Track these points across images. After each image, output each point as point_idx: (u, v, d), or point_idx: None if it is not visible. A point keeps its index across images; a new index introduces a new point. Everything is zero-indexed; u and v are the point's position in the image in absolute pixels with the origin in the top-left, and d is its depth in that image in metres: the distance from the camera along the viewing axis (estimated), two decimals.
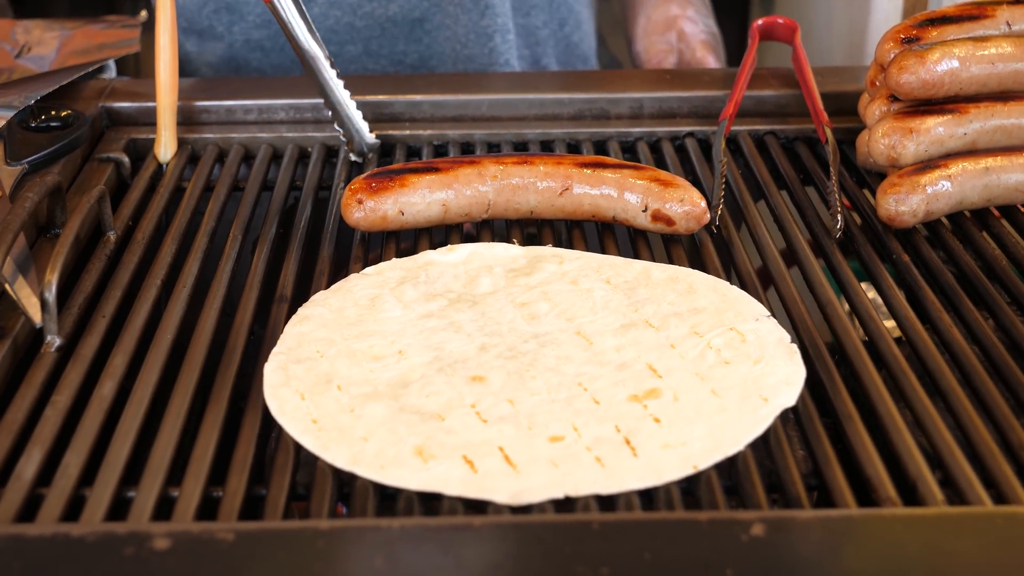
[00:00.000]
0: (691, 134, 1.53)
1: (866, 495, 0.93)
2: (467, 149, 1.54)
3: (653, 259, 1.26)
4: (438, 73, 1.79)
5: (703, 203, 1.27)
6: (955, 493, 0.93)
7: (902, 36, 1.37)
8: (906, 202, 1.28)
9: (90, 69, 1.64)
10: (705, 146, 1.52)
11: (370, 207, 1.27)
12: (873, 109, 1.38)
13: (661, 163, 1.49)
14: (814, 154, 1.49)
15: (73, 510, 0.91)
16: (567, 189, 1.29)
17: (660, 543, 0.82)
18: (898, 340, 1.14)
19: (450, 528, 0.83)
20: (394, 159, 1.51)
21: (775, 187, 1.40)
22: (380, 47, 1.82)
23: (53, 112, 1.46)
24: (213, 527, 0.83)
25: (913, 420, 1.02)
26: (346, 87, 1.45)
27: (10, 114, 1.42)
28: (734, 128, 1.53)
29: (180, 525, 0.84)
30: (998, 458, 0.95)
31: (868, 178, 1.43)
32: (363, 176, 1.30)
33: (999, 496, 0.92)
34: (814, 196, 1.41)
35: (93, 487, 0.93)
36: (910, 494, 0.93)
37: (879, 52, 1.38)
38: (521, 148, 1.53)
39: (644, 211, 1.27)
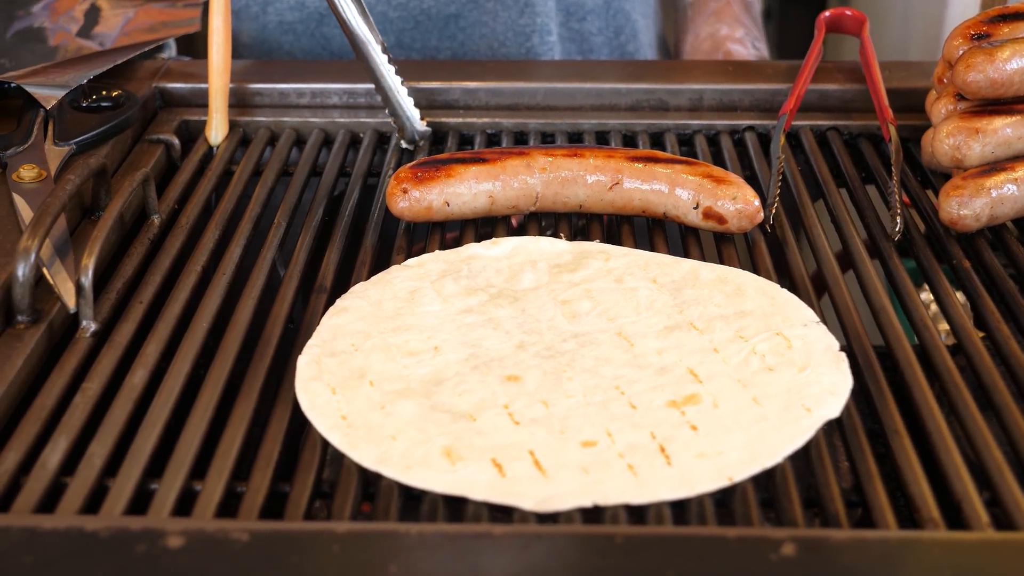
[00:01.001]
0: (751, 128, 1.49)
1: (910, 514, 0.89)
2: (520, 139, 1.51)
3: (703, 258, 1.23)
4: (494, 60, 1.76)
5: (756, 201, 1.23)
6: (1003, 515, 0.89)
7: (972, 32, 1.32)
8: (969, 205, 1.23)
9: (148, 48, 1.63)
10: (764, 140, 1.48)
11: (415, 197, 1.25)
12: (939, 107, 1.34)
13: (719, 157, 1.45)
14: (878, 152, 1.45)
15: (95, 501, 0.90)
16: (617, 183, 1.26)
17: (685, 560, 0.79)
18: (954, 349, 1.10)
19: (468, 536, 0.81)
20: (446, 147, 1.49)
21: (834, 186, 1.36)
22: (413, 40, 1.79)
23: (104, 92, 1.45)
24: (228, 526, 0.82)
25: (964, 435, 0.98)
26: (398, 73, 1.43)
27: (62, 93, 1.41)
28: (795, 123, 1.49)
29: (195, 523, 0.82)
30: None
31: (933, 179, 1.38)
32: (409, 165, 1.28)
33: None
34: (876, 196, 1.37)
35: (116, 479, 0.92)
36: (955, 515, 0.89)
37: (947, 48, 1.33)
38: (576, 139, 1.50)
39: (695, 208, 1.24)
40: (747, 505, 0.89)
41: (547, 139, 1.51)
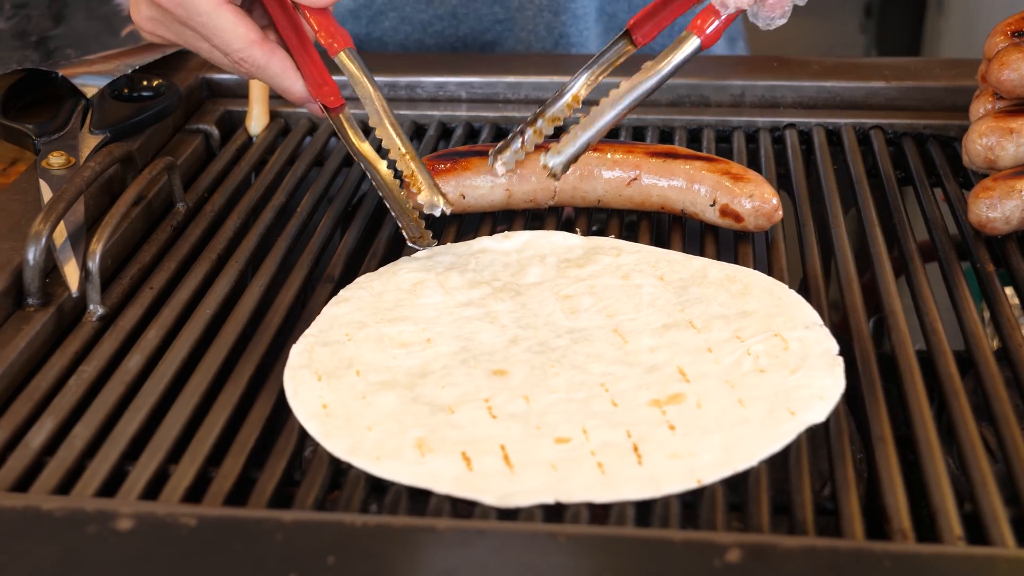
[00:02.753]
0: (792, 125, 1.46)
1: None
2: (557, 131, 1.49)
3: (719, 256, 1.20)
4: (534, 54, 1.75)
5: (775, 200, 1.20)
6: (979, 529, 0.86)
7: (1012, 29, 1.27)
8: (998, 208, 1.19)
9: None
10: (805, 139, 1.45)
11: None
12: (978, 106, 1.29)
13: (755, 155, 1.42)
14: (920, 152, 1.40)
15: (69, 482, 0.92)
16: (635, 179, 1.25)
17: (624, 561, 0.78)
18: (963, 356, 1.06)
19: (411, 529, 0.80)
20: (479, 140, 1.48)
21: (867, 185, 1.32)
22: None
23: (145, 82, 1.48)
24: (179, 511, 0.82)
25: (956, 447, 0.94)
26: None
27: (103, 83, 1.44)
28: (836, 121, 1.45)
29: (147, 507, 0.83)
30: None
31: (974, 180, 1.34)
32: (428, 157, 1.28)
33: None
34: (911, 198, 1.33)
35: (93, 460, 0.93)
36: (929, 526, 0.86)
37: (987, 45, 1.29)
38: (612, 133, 1.48)
39: (712, 205, 1.22)
40: (714, 510, 0.87)
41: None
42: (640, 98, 1.16)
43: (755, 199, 1.20)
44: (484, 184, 1.25)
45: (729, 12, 1.15)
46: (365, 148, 1.20)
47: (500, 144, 1.23)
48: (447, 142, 1.49)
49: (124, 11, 2.05)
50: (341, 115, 1.20)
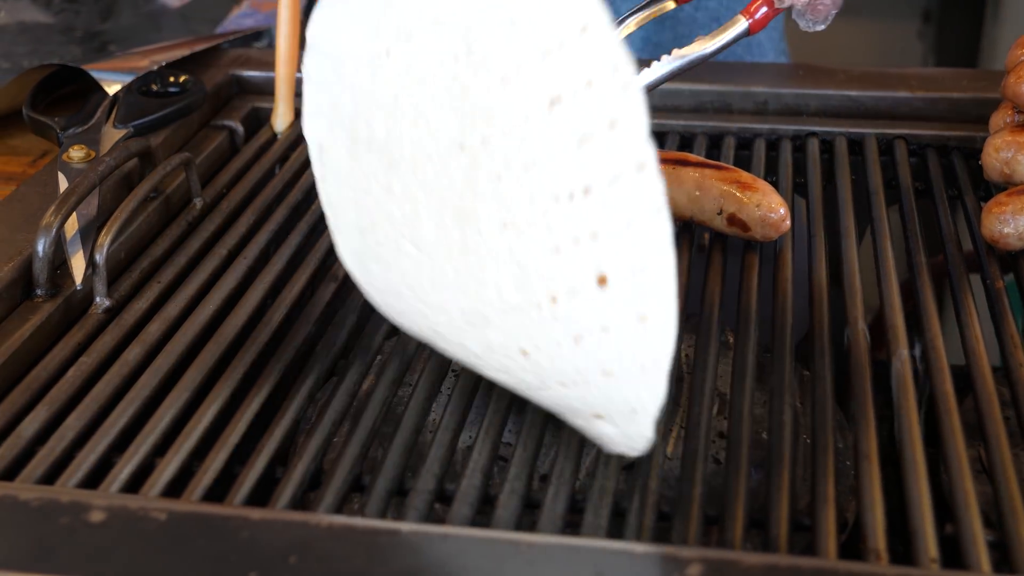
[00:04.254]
0: (814, 134, 1.45)
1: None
2: None
3: (725, 265, 1.20)
4: None
5: (782, 210, 1.19)
6: (958, 553, 0.84)
7: None
8: (1011, 223, 1.17)
9: (239, 36, 1.68)
10: (827, 147, 1.43)
11: None
12: (998, 120, 1.27)
13: (775, 163, 1.41)
14: (942, 164, 1.38)
15: (57, 471, 0.93)
16: None
17: (584, 572, 0.77)
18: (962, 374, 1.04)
19: (375, 531, 0.81)
20: None
21: (883, 196, 1.30)
22: None
23: (172, 79, 1.50)
24: (150, 505, 0.84)
25: (943, 466, 0.93)
26: None
27: (128, 79, 1.46)
28: (860, 130, 1.43)
29: (120, 500, 0.85)
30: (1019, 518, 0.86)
31: (995, 193, 1.31)
32: None
33: (1004, 560, 0.84)
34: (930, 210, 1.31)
35: (81, 451, 0.95)
36: (906, 548, 0.85)
37: (1009, 57, 1.27)
38: None
39: (719, 214, 1.21)
40: (689, 522, 0.86)
41: None
42: (685, 66, 1.21)
43: (762, 208, 1.19)
44: None
45: (783, 6, 1.19)
46: None
47: None
48: None
49: (170, 7, 2.08)
50: None
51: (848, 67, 1.53)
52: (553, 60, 0.76)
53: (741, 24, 1.20)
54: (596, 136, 0.75)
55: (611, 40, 0.73)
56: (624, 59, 0.73)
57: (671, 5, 1.25)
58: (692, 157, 1.25)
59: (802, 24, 1.22)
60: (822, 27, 1.22)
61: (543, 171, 0.78)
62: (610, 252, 0.77)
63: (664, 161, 1.24)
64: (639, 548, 0.79)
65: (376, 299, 0.99)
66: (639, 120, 0.73)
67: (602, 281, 0.78)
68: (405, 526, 0.81)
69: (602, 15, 0.73)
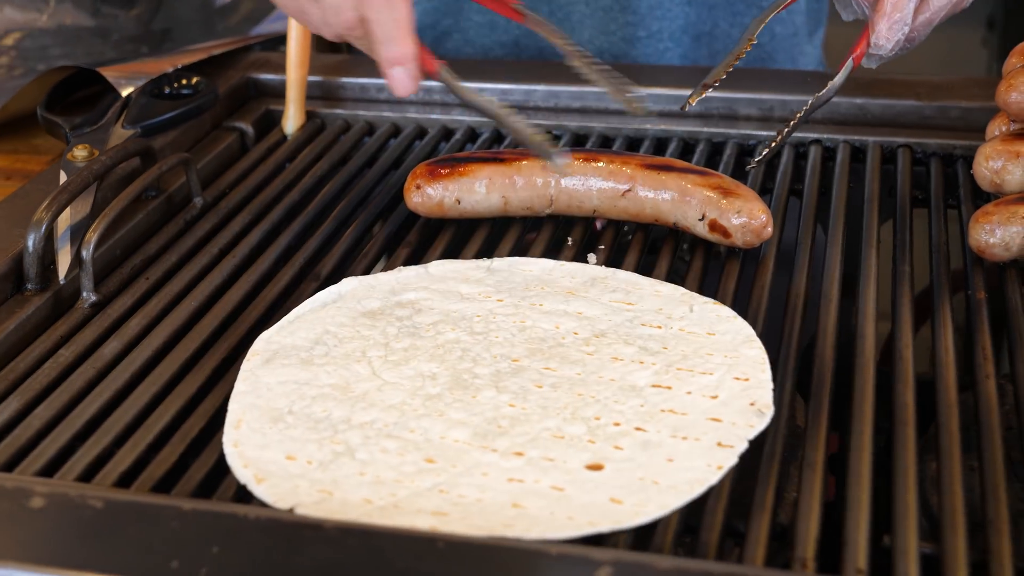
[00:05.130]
0: (817, 141, 1.43)
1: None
2: (581, 142, 1.50)
3: (705, 271, 1.19)
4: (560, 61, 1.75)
5: (764, 217, 1.19)
6: (889, 563, 0.84)
7: None
8: (997, 233, 1.15)
9: (261, 40, 1.71)
10: (829, 155, 1.42)
11: (428, 193, 1.27)
12: (992, 128, 1.25)
13: (772, 170, 1.40)
14: (944, 173, 1.37)
15: (19, 459, 0.96)
16: (630, 190, 1.24)
17: (496, 571, 0.78)
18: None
19: (297, 525, 0.82)
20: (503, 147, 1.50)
21: (877, 205, 1.29)
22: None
23: (185, 81, 1.53)
24: (88, 492, 0.86)
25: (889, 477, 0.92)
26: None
27: (141, 81, 1.49)
28: (864, 138, 1.42)
29: (61, 487, 0.87)
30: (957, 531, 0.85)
31: None
32: (427, 161, 1.30)
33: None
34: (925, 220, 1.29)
35: (45, 440, 0.97)
36: (835, 557, 0.84)
37: (1005, 66, 1.25)
38: (636, 145, 1.48)
39: (701, 220, 1.21)
40: (666, 529, 0.87)
41: (607, 144, 1.49)
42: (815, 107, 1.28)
43: (743, 215, 1.18)
44: (481, 190, 1.26)
45: (879, 52, 1.23)
46: (473, 96, 1.19)
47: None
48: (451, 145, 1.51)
49: (219, 3, 2.11)
50: (443, 71, 1.19)
51: (857, 75, 1.51)
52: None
53: (848, 66, 1.26)
54: None
55: None
56: None
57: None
58: (678, 163, 1.25)
59: (867, 63, 1.27)
60: (884, 62, 1.27)
61: None
62: None
63: (649, 167, 1.24)
64: (555, 549, 0.79)
65: None
66: None
67: None
68: (330, 522, 0.82)
69: None
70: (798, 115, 1.28)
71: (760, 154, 1.32)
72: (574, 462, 0.92)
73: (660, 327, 1.08)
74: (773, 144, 1.30)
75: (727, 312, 1.10)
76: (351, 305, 1.13)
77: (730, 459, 0.91)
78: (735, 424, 0.95)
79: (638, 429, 0.95)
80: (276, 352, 1.06)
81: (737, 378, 1.00)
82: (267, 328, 1.11)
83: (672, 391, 0.99)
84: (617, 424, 0.96)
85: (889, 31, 1.20)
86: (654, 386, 1.00)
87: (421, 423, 0.97)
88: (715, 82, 1.25)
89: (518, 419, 0.97)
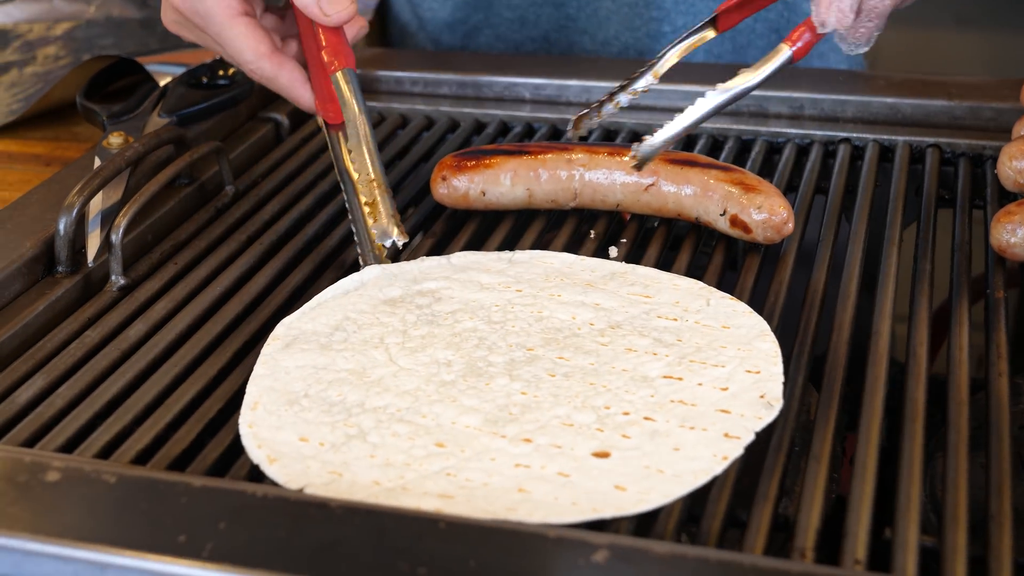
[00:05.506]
0: (847, 140, 1.43)
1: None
2: (611, 136, 1.51)
3: (724, 267, 1.20)
4: (592, 57, 1.76)
5: (784, 212, 1.19)
6: (887, 555, 0.84)
7: None
8: (1018, 233, 1.14)
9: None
10: (858, 154, 1.42)
11: (454, 185, 1.28)
12: (1018, 128, 1.25)
13: (799, 168, 1.40)
14: (972, 173, 1.36)
15: (41, 435, 0.98)
16: (653, 185, 1.25)
17: (494, 552, 0.79)
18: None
19: (303, 503, 0.84)
20: (534, 139, 1.51)
21: (902, 204, 1.29)
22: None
23: (222, 71, 1.55)
24: (103, 468, 0.88)
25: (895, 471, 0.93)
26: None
27: (179, 71, 1.52)
28: (893, 137, 1.42)
29: (76, 462, 0.89)
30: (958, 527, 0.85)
31: None
32: (454, 153, 1.31)
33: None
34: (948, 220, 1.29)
35: (67, 418, 1.00)
36: (835, 548, 0.85)
37: None
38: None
39: (723, 215, 1.21)
40: (669, 517, 0.88)
41: (637, 139, 1.49)
42: (730, 101, 1.17)
43: (764, 211, 1.19)
44: (505, 183, 1.27)
45: (825, 31, 1.15)
46: (356, 153, 1.21)
47: (580, 113, 1.22)
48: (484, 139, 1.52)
49: None
50: (340, 132, 1.22)
51: (889, 74, 1.51)
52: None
53: (784, 53, 1.17)
54: None
55: None
56: None
57: (711, 34, 1.23)
58: (700, 158, 1.26)
59: (845, 48, 1.18)
60: (865, 49, 1.18)
61: None
62: None
63: (672, 161, 1.25)
64: (552, 532, 0.80)
65: None
66: None
67: None
68: (335, 501, 0.84)
69: None
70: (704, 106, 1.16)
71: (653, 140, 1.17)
72: (581, 449, 0.93)
73: (676, 319, 1.08)
74: (663, 134, 1.17)
75: (743, 307, 1.10)
76: (372, 293, 1.15)
77: (736, 450, 0.92)
78: (743, 416, 0.95)
79: (647, 419, 0.96)
80: (296, 337, 1.08)
81: (748, 371, 1.01)
82: (289, 314, 1.13)
83: (683, 382, 1.00)
84: (626, 413, 0.97)
85: (830, 4, 1.12)
86: (665, 377, 1.01)
87: (433, 408, 0.99)
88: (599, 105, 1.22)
89: (529, 406, 0.98)
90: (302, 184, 1.40)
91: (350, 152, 1.20)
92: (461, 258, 1.20)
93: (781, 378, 1.00)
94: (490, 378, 1.02)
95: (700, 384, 1.00)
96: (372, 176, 1.18)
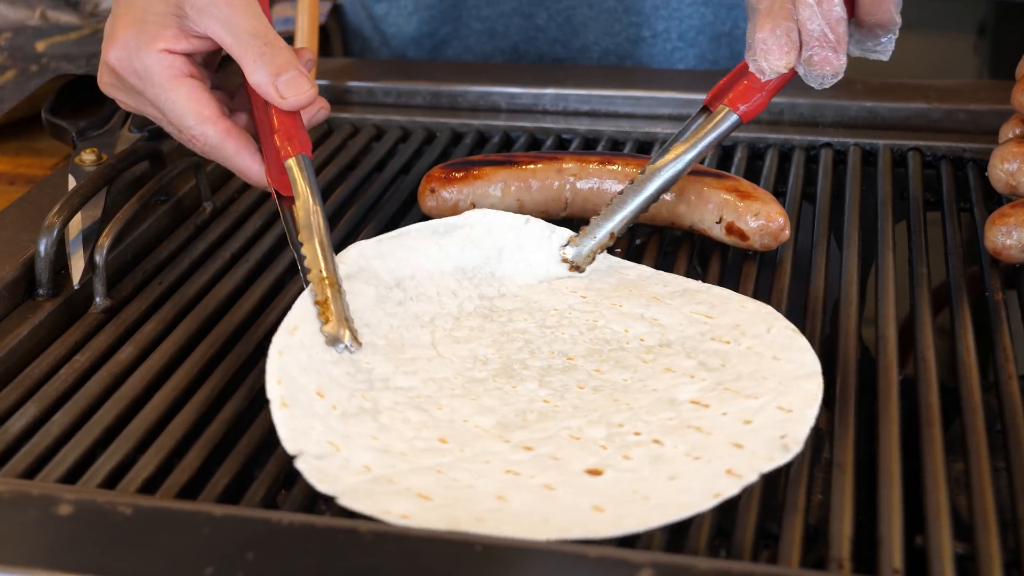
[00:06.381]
0: (828, 145, 1.44)
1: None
2: (591, 145, 1.50)
3: (722, 274, 1.19)
4: (583, 65, 1.75)
5: (781, 219, 1.19)
6: (924, 563, 0.83)
7: None
8: (1014, 235, 1.15)
9: None
10: (840, 158, 1.42)
11: (443, 197, 1.26)
12: (1007, 131, 1.26)
13: (784, 173, 1.40)
14: (955, 176, 1.37)
15: (39, 466, 0.95)
16: None
17: (533, 571, 0.78)
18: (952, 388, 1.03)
19: (332, 530, 0.81)
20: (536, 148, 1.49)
21: (891, 208, 1.29)
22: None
23: None
24: (117, 499, 0.85)
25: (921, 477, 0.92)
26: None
27: None
28: (874, 141, 1.42)
29: (88, 494, 0.86)
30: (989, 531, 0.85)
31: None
32: (442, 165, 1.29)
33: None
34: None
35: (65, 447, 0.96)
36: (871, 557, 0.84)
37: (1019, 68, 1.25)
38: (647, 148, 1.48)
39: (718, 223, 1.20)
40: (700, 531, 0.86)
41: (618, 147, 1.49)
42: (668, 183, 1.14)
43: (760, 217, 1.18)
44: (495, 193, 1.26)
45: (769, 78, 1.10)
46: (308, 248, 1.08)
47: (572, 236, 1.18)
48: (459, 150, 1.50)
49: None
50: (292, 207, 1.11)
51: (867, 78, 1.51)
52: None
53: (729, 118, 1.12)
54: None
55: None
56: None
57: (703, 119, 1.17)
58: (694, 165, 1.25)
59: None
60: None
61: None
62: None
63: None
64: (593, 551, 0.79)
65: None
66: None
67: None
68: (364, 525, 0.81)
69: None
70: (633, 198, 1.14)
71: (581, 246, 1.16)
72: (577, 464, 0.90)
73: (728, 343, 1.04)
74: (593, 232, 1.16)
75: (803, 343, 1.03)
76: (452, 250, 1.14)
77: (731, 489, 0.86)
78: (755, 454, 0.89)
79: (655, 441, 0.92)
80: (362, 269, 1.08)
81: (780, 408, 0.95)
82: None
83: (708, 409, 0.96)
84: (637, 434, 0.93)
85: (766, 46, 1.06)
86: (692, 402, 0.97)
87: (453, 402, 0.97)
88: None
89: (546, 415, 0.96)
90: None
91: (302, 245, 1.08)
92: None
93: (811, 423, 0.93)
94: (519, 381, 1.00)
95: (724, 414, 0.95)
96: (324, 275, 1.06)
